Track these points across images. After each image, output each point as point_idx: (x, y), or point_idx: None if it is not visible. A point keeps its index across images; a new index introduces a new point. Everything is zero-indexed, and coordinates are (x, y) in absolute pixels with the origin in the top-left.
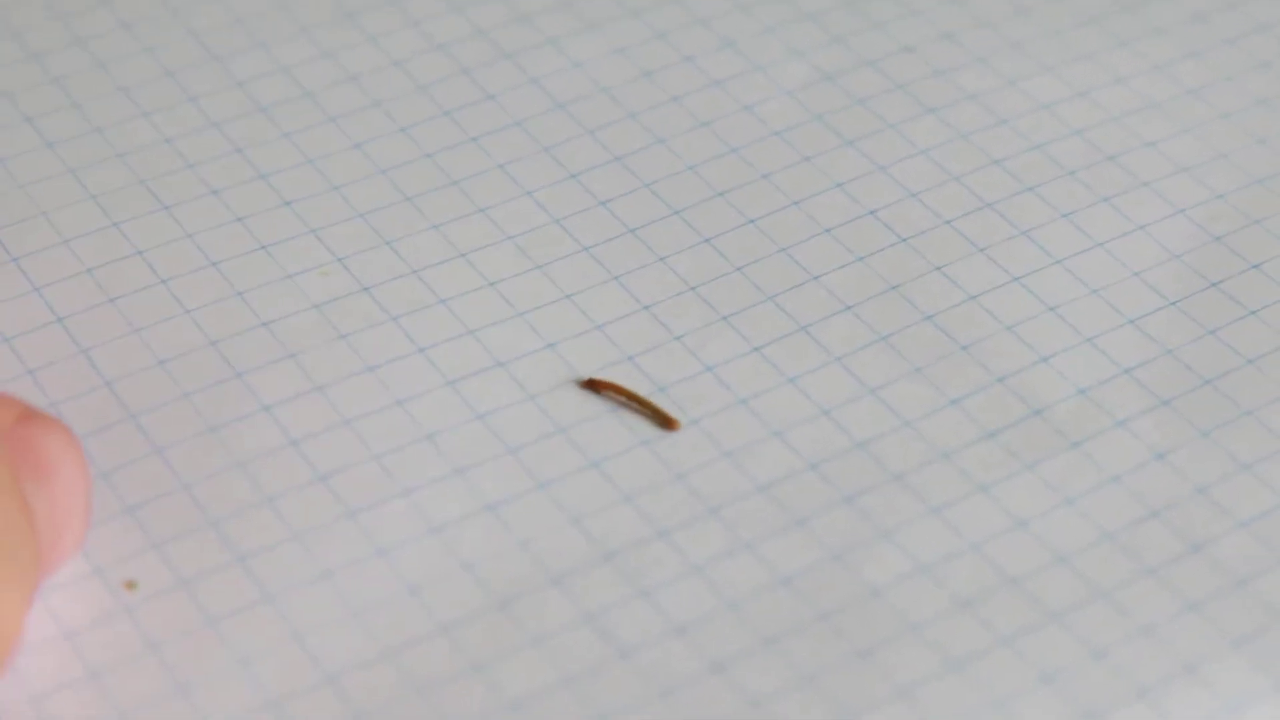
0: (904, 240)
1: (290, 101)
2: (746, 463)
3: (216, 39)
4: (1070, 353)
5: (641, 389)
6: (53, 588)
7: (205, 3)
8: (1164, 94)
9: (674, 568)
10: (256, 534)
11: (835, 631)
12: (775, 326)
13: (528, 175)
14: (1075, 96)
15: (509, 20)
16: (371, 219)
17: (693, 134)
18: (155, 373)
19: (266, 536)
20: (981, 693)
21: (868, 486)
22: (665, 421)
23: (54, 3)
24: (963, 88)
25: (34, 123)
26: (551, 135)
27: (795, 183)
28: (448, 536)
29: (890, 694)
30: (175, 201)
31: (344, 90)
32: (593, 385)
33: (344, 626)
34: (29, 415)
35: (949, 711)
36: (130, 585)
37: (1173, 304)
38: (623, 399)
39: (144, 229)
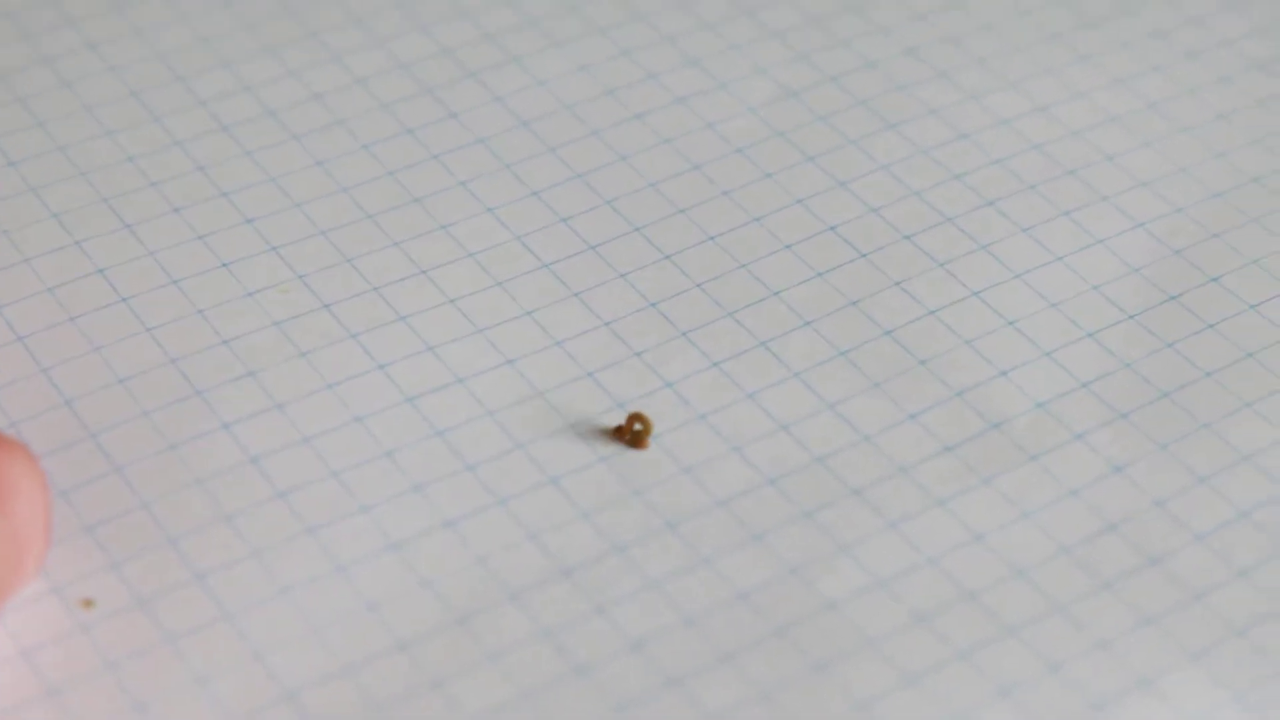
0: (864, 256)
1: (253, 120)
2: (705, 478)
3: (181, 59)
4: (1029, 366)
5: (601, 405)
6: (10, 607)
7: (172, 24)
8: (1124, 108)
9: (631, 583)
10: (215, 552)
11: (792, 646)
12: (735, 342)
13: (489, 192)
14: (1036, 111)
15: (474, 39)
16: (332, 236)
17: (655, 151)
18: (115, 391)
19: (225, 554)
20: (939, 706)
21: (826, 501)
22: (634, 440)
23: (20, 22)
24: (924, 103)
25: None
26: (514, 153)
27: (756, 199)
28: (406, 553)
29: (847, 709)
30: (137, 220)
31: (307, 109)
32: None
33: (303, 643)
34: None
35: None
36: (88, 604)
37: (1131, 317)
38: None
39: (105, 247)
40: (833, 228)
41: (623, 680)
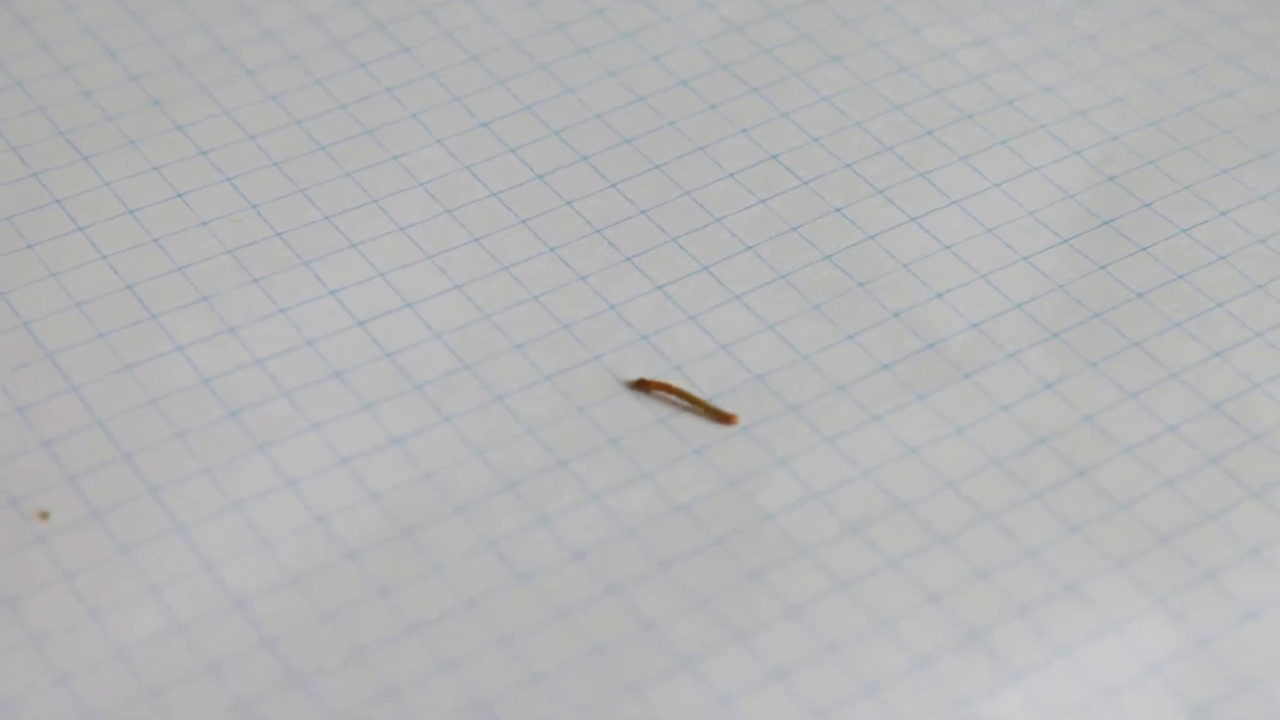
0: (805, 183)
1: (207, 56)
2: (646, 396)
3: None
4: (965, 289)
5: (547, 328)
6: None
7: None
8: (1062, 41)
9: (573, 496)
10: (168, 467)
11: (728, 555)
12: (679, 267)
13: (439, 124)
14: (976, 44)
15: None
16: (285, 167)
17: (601, 84)
18: (72, 314)
19: (178, 469)
20: (869, 612)
21: (765, 417)
22: (722, 419)
23: None
24: (867, 36)
25: None
26: (463, 86)
27: (701, 129)
28: (355, 468)
29: (780, 613)
30: (94, 152)
31: (261, 45)
32: (643, 386)
33: (253, 554)
34: None
35: (836, 629)
36: (43, 516)
37: (1065, 241)
38: (675, 400)
39: (63, 179)
40: (775, 156)
41: (563, 588)
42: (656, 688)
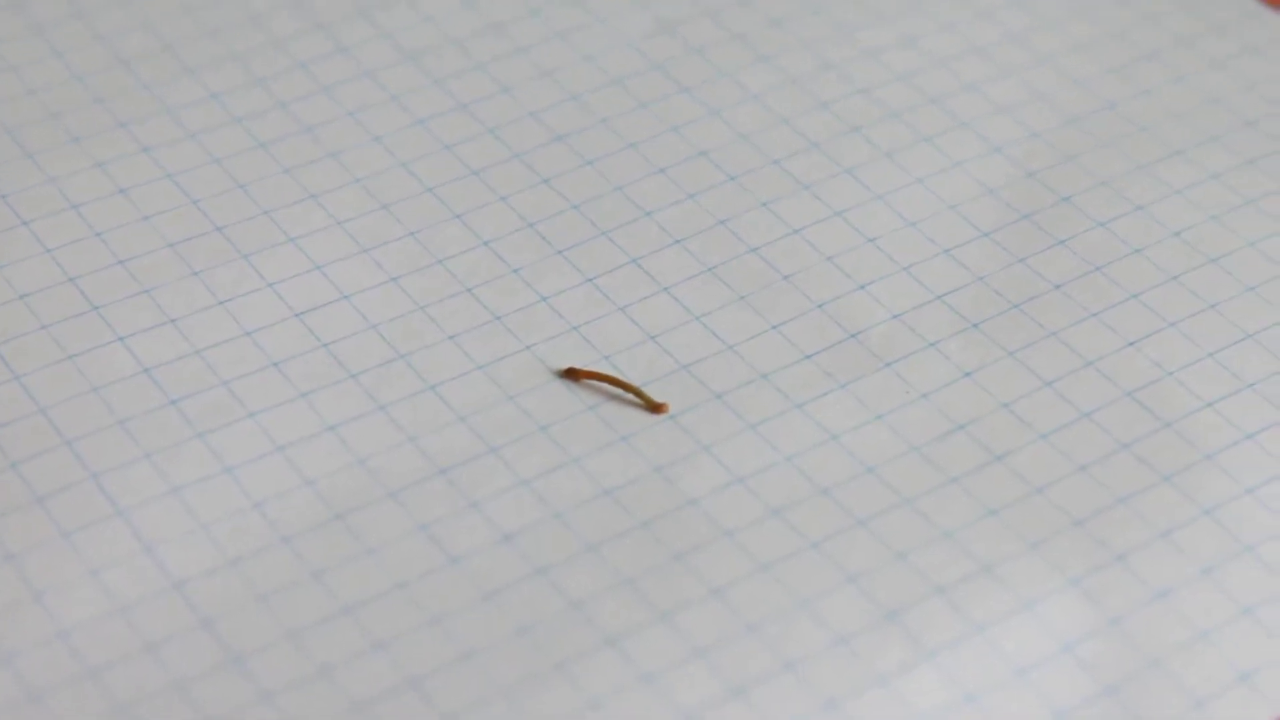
0: (733, 179)
1: (150, 55)
2: (574, 384)
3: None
4: (887, 280)
5: (480, 319)
6: None
7: None
8: (987, 39)
9: (503, 481)
10: (109, 453)
11: (654, 538)
12: (608, 260)
13: (376, 122)
14: (903, 43)
15: None
16: (226, 164)
17: (535, 82)
18: (15, 306)
19: (119, 456)
20: (789, 592)
21: (690, 405)
22: (654, 407)
23: None
24: (796, 36)
25: None
26: (400, 84)
27: (632, 127)
28: (291, 455)
29: (704, 594)
30: (38, 149)
31: (202, 44)
32: (572, 375)
33: (191, 538)
34: None
35: (758, 609)
36: None
37: (986, 235)
38: (607, 386)
39: (6, 175)
40: (704, 153)
41: (492, 570)
42: (583, 665)
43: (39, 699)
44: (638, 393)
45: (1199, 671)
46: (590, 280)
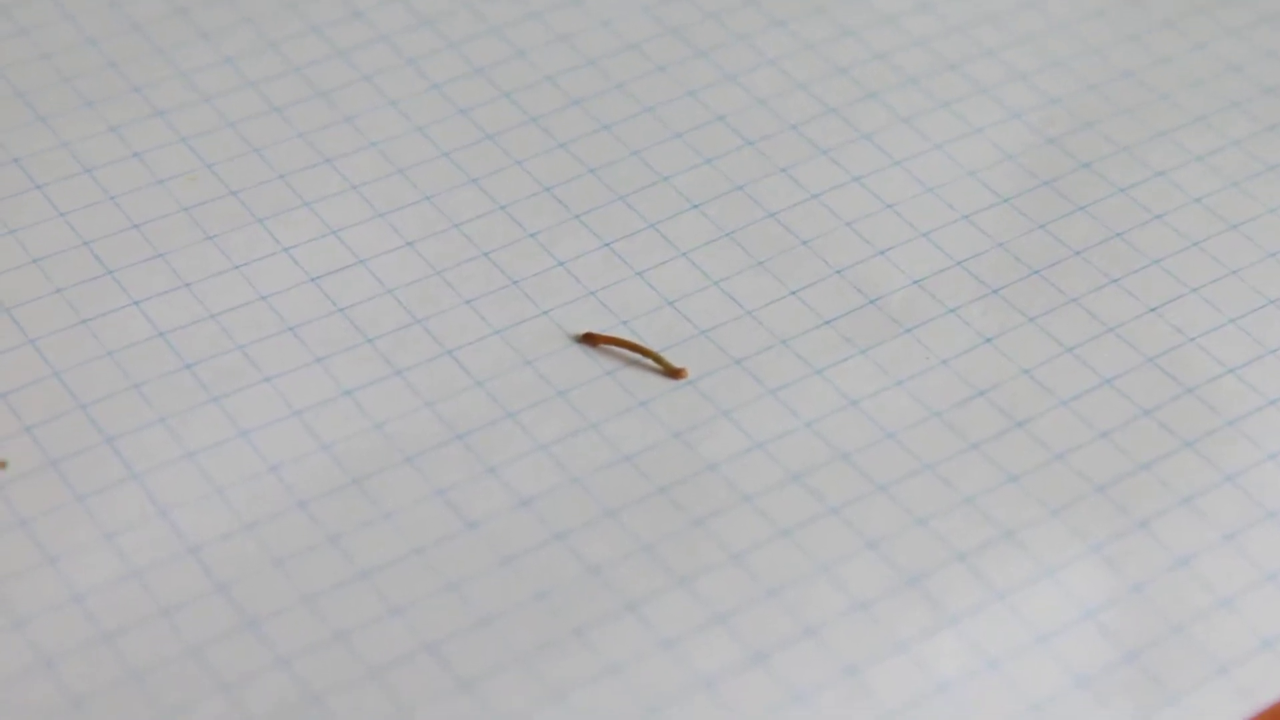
0: (751, 144)
1: (163, 19)
2: (592, 349)
3: None
4: (906, 246)
5: (496, 283)
6: None
7: None
8: (1004, 6)
9: (521, 446)
10: (124, 418)
11: (672, 504)
12: (626, 224)
13: (392, 86)
14: (919, 9)
15: None
16: (240, 128)
17: (551, 47)
18: (30, 270)
19: (133, 420)
20: (809, 557)
21: (709, 370)
22: (673, 373)
23: None
24: (811, 1)
25: None
26: (415, 48)
27: (649, 91)
28: (307, 419)
29: (723, 559)
30: (50, 113)
31: (217, 9)
32: (590, 340)
33: (206, 502)
34: None
35: (777, 574)
36: (2, 465)
37: (1005, 201)
38: (625, 351)
39: (19, 139)
40: (721, 118)
41: (509, 535)
42: (602, 631)
43: (53, 663)
44: (656, 358)
45: (1221, 637)
46: (608, 245)
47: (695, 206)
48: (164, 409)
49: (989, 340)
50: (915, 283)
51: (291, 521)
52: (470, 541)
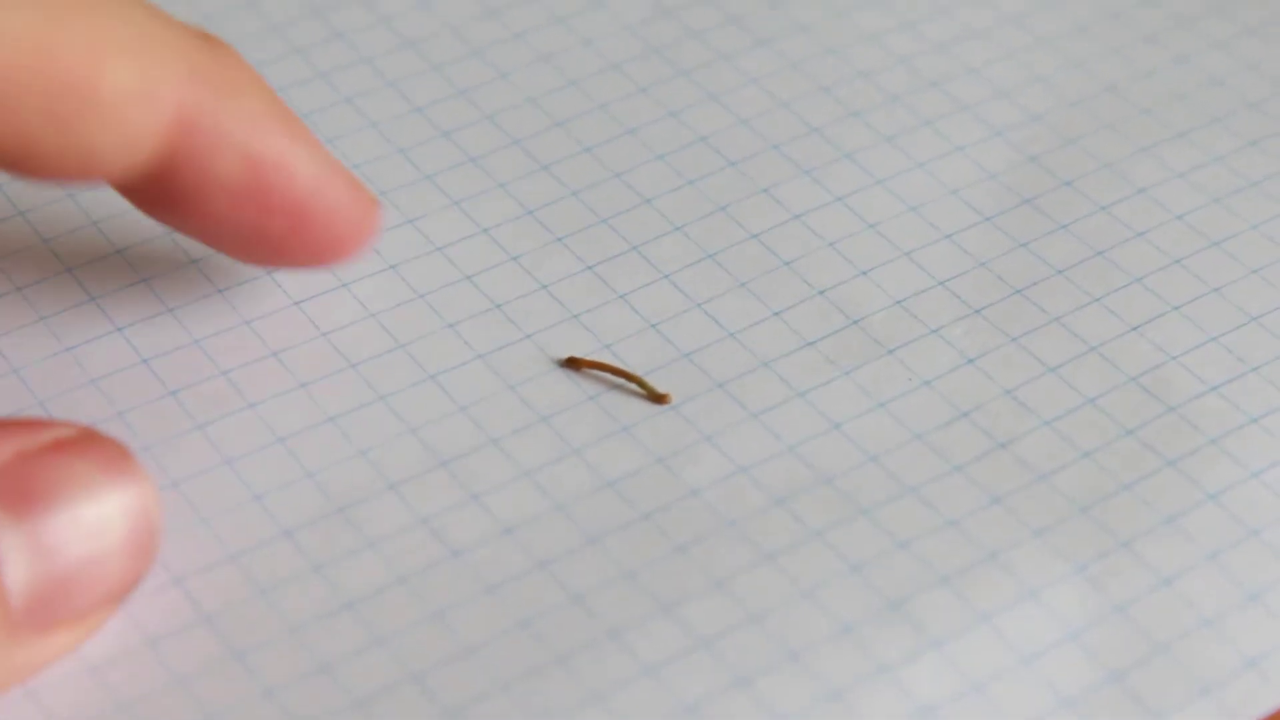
0: (733, 164)
1: None
2: (575, 374)
3: None
4: (888, 266)
5: (479, 307)
6: None
7: None
8: (986, 22)
9: (504, 473)
10: None
11: (656, 529)
12: (608, 247)
13: (373, 109)
14: (902, 27)
15: None
16: None
17: (533, 67)
18: (13, 299)
19: None
20: (793, 582)
21: (692, 394)
22: (656, 398)
23: None
24: (794, 20)
25: None
26: (397, 71)
27: (631, 112)
28: (291, 446)
29: (706, 586)
30: None
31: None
32: (574, 364)
33: (190, 532)
34: (64, 443)
35: (762, 599)
36: None
37: (987, 220)
38: (608, 375)
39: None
40: (703, 138)
41: (494, 563)
42: (586, 658)
43: (35, 695)
44: (640, 382)
45: (1206, 657)
46: (590, 268)
47: (678, 228)
48: (147, 437)
49: (971, 361)
50: (897, 303)
51: (275, 551)
52: (454, 569)
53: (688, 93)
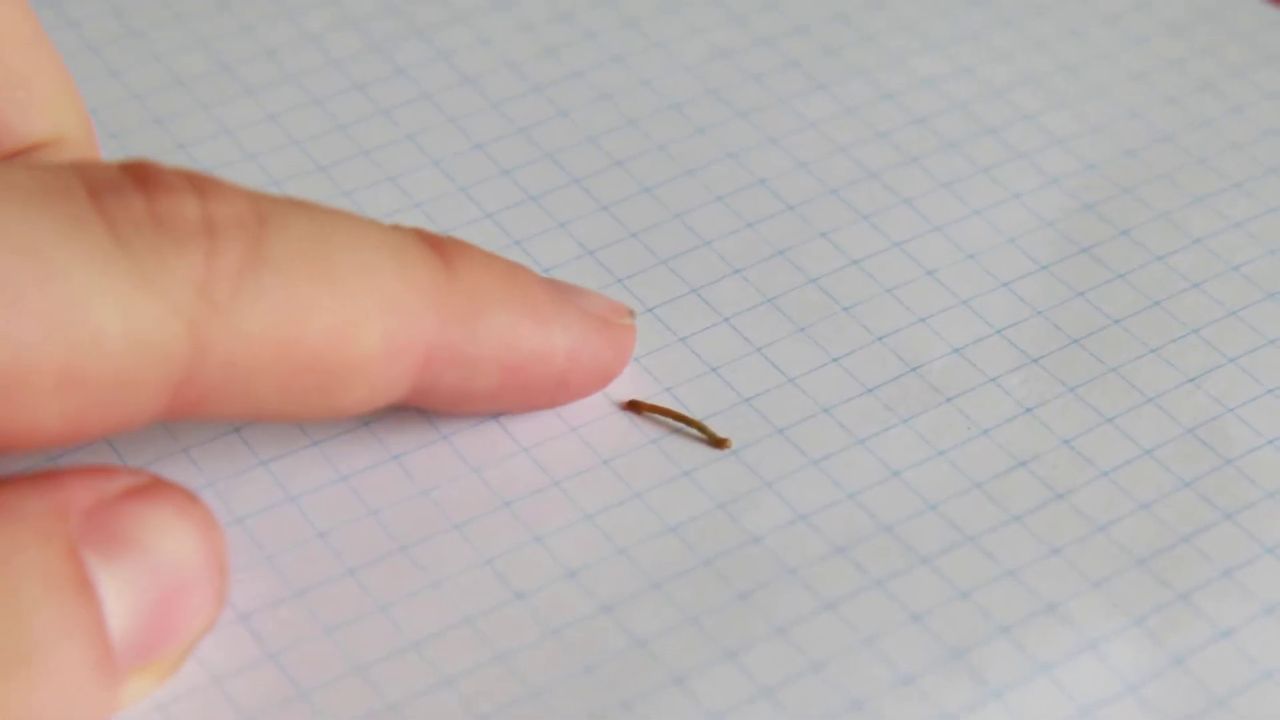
0: (791, 208)
1: (207, 75)
2: (636, 417)
3: None
4: (946, 314)
5: None
6: None
7: None
8: (1043, 70)
9: (567, 515)
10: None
11: (718, 576)
12: (668, 289)
13: (434, 146)
14: (959, 73)
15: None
16: (285, 186)
17: (593, 106)
18: None
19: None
20: (854, 630)
21: (752, 440)
22: (717, 443)
23: None
24: (852, 65)
25: None
26: (457, 107)
27: (689, 153)
28: (354, 484)
29: (768, 632)
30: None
31: (260, 65)
32: (635, 407)
33: (256, 569)
34: (136, 489)
35: (823, 647)
36: None
37: (1044, 268)
38: (669, 419)
39: None
40: (762, 181)
41: (557, 606)
42: (649, 703)
43: None
44: (700, 427)
45: (1263, 711)
46: (651, 310)
47: (737, 271)
48: (212, 473)
49: (1029, 410)
50: (955, 351)
51: (340, 589)
52: (518, 612)
53: (746, 135)
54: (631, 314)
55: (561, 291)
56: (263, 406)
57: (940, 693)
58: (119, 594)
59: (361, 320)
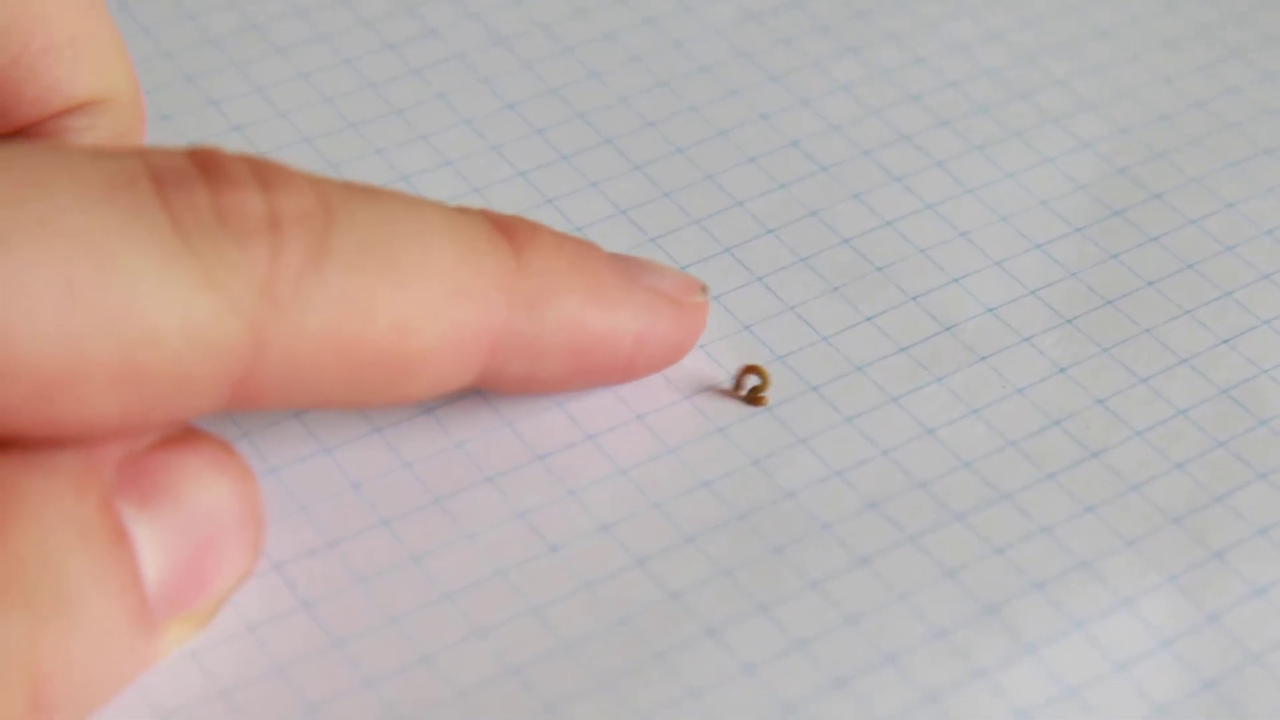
0: (824, 169)
1: (238, 34)
2: (672, 374)
3: None
4: (979, 275)
5: None
6: None
7: None
8: (1074, 35)
9: (602, 469)
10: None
11: (752, 530)
12: (701, 248)
13: (466, 105)
14: (990, 38)
15: None
16: (316, 144)
17: (625, 68)
18: None
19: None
20: (888, 586)
21: (786, 397)
22: (753, 400)
23: None
24: (883, 29)
25: None
26: (490, 67)
27: (722, 115)
28: (387, 437)
29: (801, 587)
30: None
31: (290, 23)
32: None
33: (291, 520)
34: (171, 441)
35: (856, 602)
36: None
37: (1077, 230)
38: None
39: None
40: (795, 143)
41: (590, 559)
42: (683, 656)
43: (137, 680)
44: (763, 375)
45: None
46: (684, 268)
47: (770, 231)
48: (246, 424)
49: (1063, 370)
50: (989, 311)
51: (374, 539)
52: (552, 564)
53: (778, 97)
54: (704, 290)
55: (631, 272)
56: (326, 398)
57: (974, 647)
58: (154, 544)
59: (427, 313)
